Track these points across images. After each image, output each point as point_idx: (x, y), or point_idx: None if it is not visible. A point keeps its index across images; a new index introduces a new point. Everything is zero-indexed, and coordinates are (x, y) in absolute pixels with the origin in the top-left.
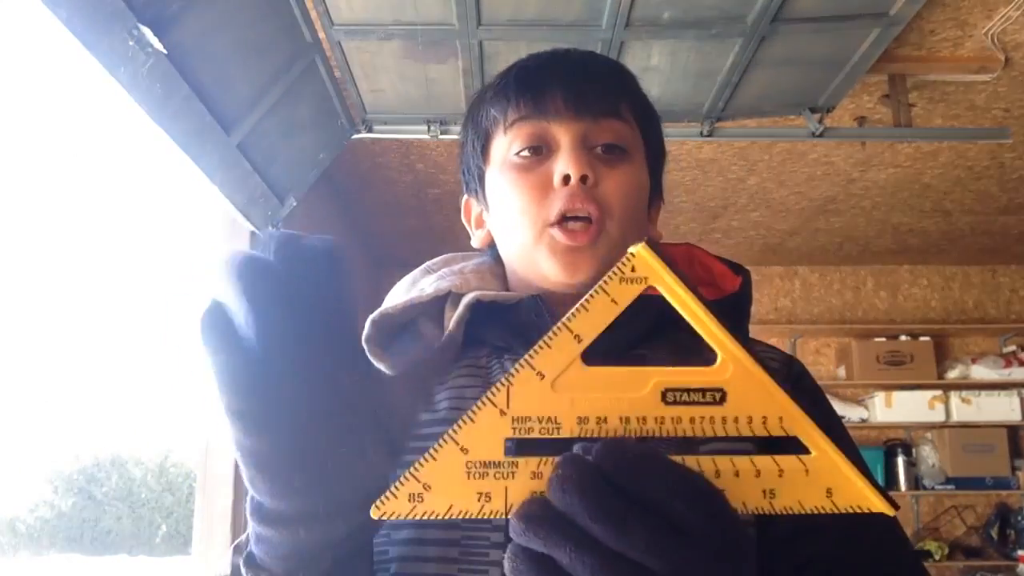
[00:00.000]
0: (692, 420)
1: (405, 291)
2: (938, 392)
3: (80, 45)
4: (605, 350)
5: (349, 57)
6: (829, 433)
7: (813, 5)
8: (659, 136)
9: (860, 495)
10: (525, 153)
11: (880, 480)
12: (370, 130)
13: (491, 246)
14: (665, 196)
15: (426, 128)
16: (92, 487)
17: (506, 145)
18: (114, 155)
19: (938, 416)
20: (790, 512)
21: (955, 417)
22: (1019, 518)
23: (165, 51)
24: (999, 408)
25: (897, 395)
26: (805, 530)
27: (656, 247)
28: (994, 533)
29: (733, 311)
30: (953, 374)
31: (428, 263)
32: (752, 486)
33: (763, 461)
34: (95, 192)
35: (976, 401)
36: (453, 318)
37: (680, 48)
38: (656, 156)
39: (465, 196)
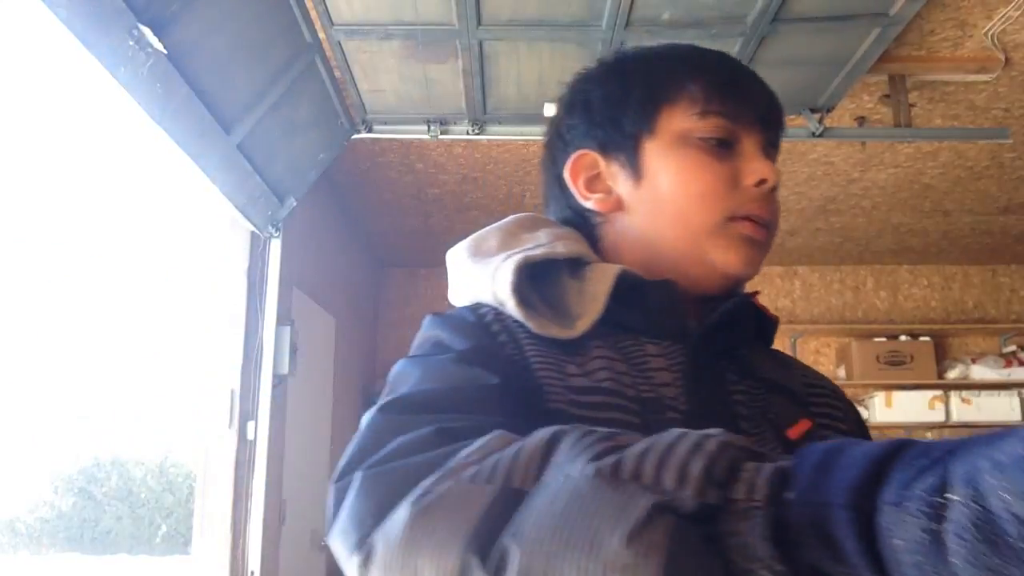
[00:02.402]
0: None
1: (501, 244)
2: (938, 392)
3: (80, 45)
4: (718, 349)
5: (349, 57)
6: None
7: (813, 5)
8: None
9: None
10: (714, 142)
11: None
12: (370, 130)
13: (606, 215)
14: None
15: (426, 128)
16: (92, 487)
17: (689, 123)
18: (114, 155)
19: (938, 416)
20: None
21: (955, 417)
22: None
23: (165, 51)
24: (999, 408)
25: (897, 395)
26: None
27: None
28: None
29: None
30: (953, 374)
31: (512, 219)
32: None
33: None
34: (95, 192)
35: (976, 401)
36: (603, 291)
37: None
38: None
39: (578, 150)
